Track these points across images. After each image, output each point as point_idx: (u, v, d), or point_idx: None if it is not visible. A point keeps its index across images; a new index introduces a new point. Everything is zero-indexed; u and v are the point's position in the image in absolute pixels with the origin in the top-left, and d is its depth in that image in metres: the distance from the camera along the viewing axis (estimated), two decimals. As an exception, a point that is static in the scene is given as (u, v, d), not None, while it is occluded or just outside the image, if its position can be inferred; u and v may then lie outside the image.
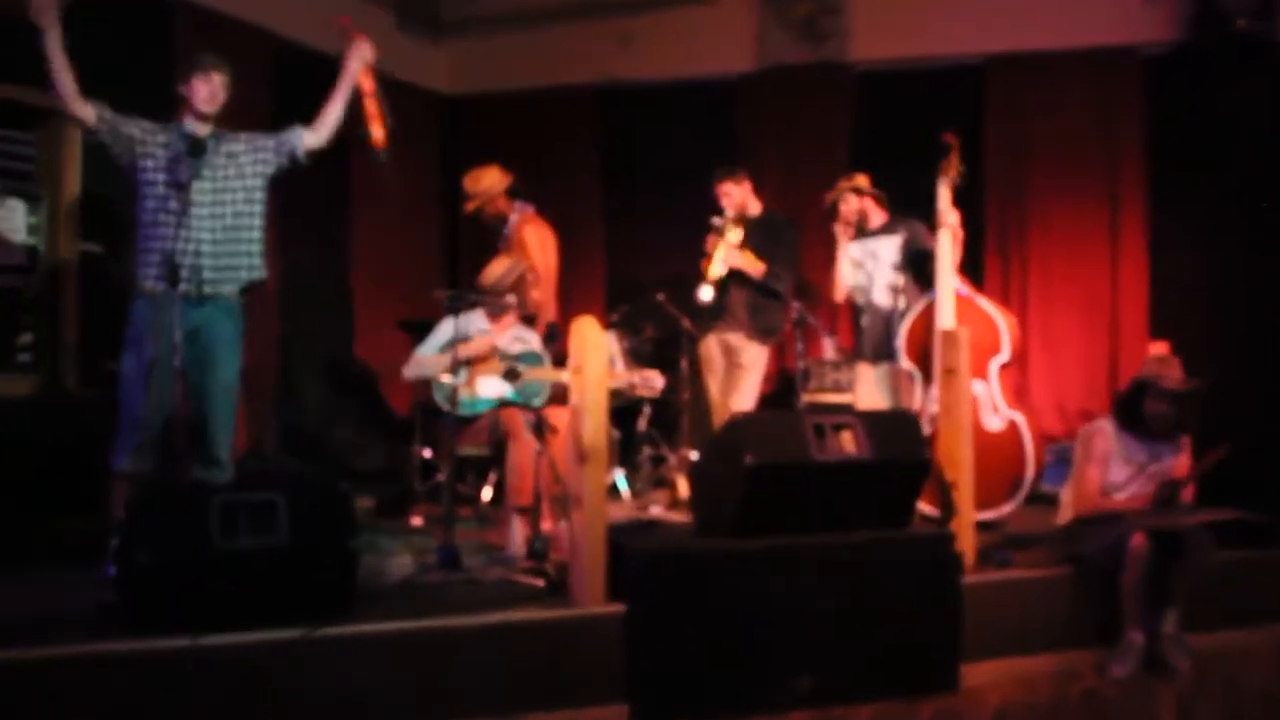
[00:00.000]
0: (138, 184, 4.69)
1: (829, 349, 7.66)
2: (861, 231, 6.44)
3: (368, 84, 4.94)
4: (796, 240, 6.86)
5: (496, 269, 6.05)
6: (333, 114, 4.97)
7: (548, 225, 6.90)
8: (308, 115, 7.21)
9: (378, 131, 4.93)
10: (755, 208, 6.78)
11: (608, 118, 9.03)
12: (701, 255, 6.64)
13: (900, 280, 6.27)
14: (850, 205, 6.42)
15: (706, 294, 6.44)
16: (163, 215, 4.62)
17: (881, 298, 6.32)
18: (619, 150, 8.99)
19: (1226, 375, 6.71)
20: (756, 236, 6.61)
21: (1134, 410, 5.09)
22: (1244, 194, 7.62)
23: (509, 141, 8.91)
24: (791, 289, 6.60)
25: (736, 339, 6.68)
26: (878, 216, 6.45)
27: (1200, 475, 4.95)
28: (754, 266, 6.52)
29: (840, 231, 6.45)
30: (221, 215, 4.72)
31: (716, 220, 6.53)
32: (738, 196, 6.67)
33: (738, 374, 6.68)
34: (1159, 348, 7.39)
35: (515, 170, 7.04)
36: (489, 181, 6.80)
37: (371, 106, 4.94)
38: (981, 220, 7.97)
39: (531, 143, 8.97)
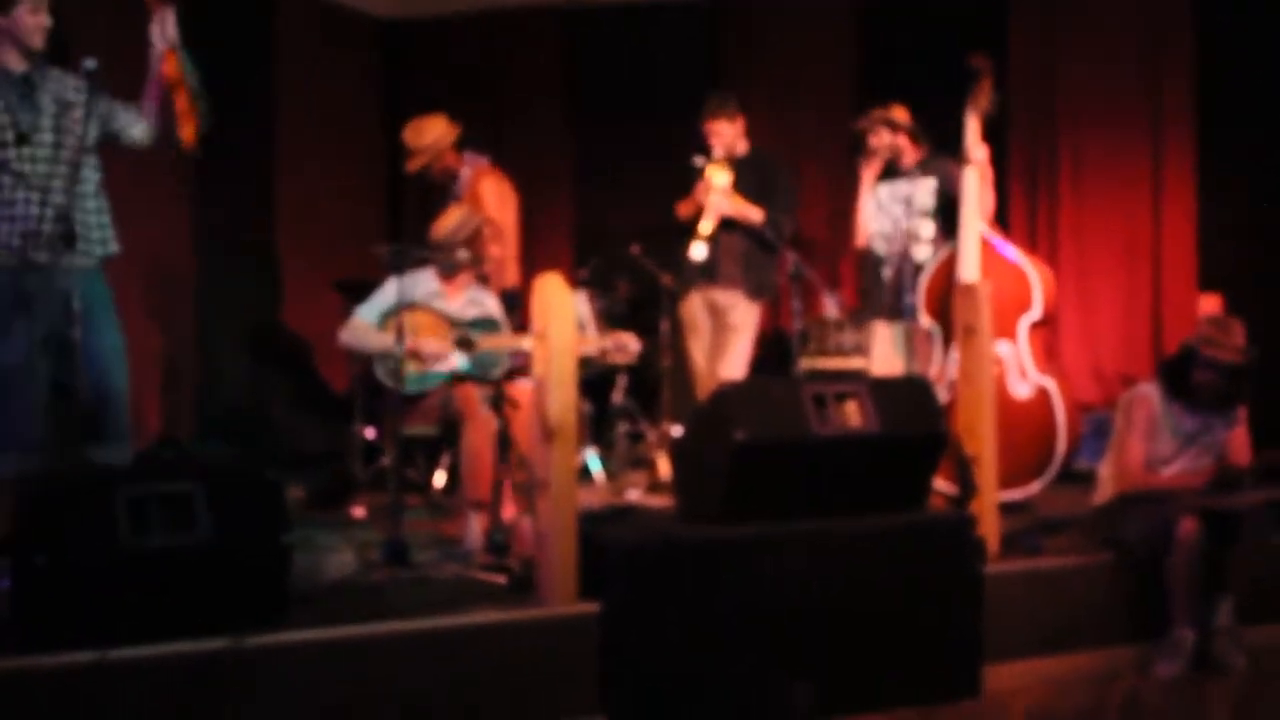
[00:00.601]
0: None
1: (830, 307, 7.68)
2: (892, 171, 6.44)
3: (171, 70, 4.76)
4: (791, 182, 6.88)
5: (449, 220, 6.03)
6: (149, 114, 4.88)
7: (506, 178, 6.88)
8: (220, 45, 7.17)
9: (186, 131, 4.79)
10: (742, 146, 6.78)
11: (574, 42, 9.02)
12: (681, 196, 6.65)
13: (932, 229, 6.29)
14: (881, 140, 6.42)
15: (699, 251, 6.43)
16: (6, 177, 4.61)
17: (909, 247, 6.34)
18: (587, 81, 8.98)
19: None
20: (747, 179, 6.61)
21: (1182, 379, 5.10)
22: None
23: (460, 72, 8.90)
24: (787, 238, 6.62)
25: (725, 297, 6.70)
26: (912, 155, 6.45)
27: (1265, 471, 5.00)
28: (749, 213, 6.52)
29: (867, 168, 6.45)
30: (66, 173, 4.67)
31: (699, 160, 6.51)
32: (729, 136, 6.67)
33: (727, 336, 6.71)
34: (1210, 302, 7.45)
35: (467, 108, 7.02)
36: (435, 134, 6.75)
37: (180, 101, 4.78)
38: (1005, 156, 7.97)
39: (486, 73, 8.96)
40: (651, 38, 8.72)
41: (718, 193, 6.48)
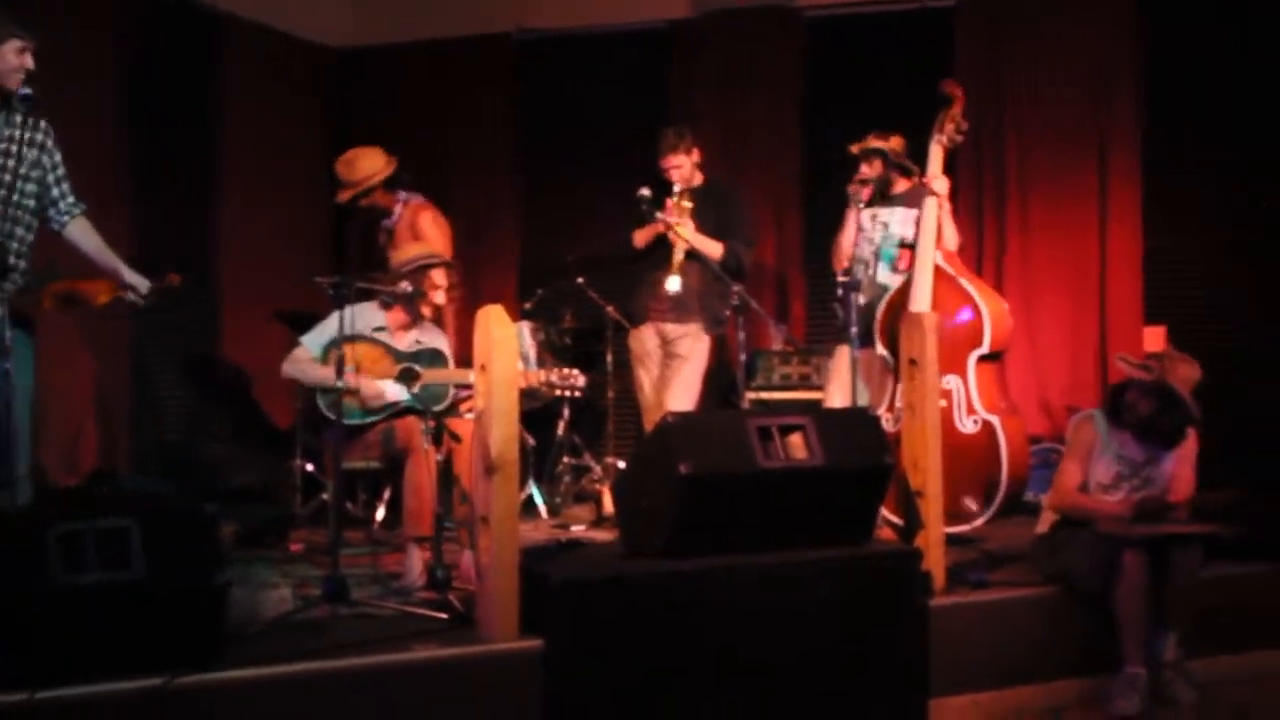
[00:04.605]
0: None
1: (777, 339, 7.71)
2: (880, 197, 6.48)
3: (99, 295, 5.08)
4: (748, 213, 6.94)
5: (404, 253, 6.03)
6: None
7: (441, 212, 6.86)
8: (163, 74, 7.17)
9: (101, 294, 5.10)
10: (699, 178, 6.84)
11: (522, 73, 9.02)
12: (630, 229, 6.69)
13: (902, 259, 6.34)
14: (873, 167, 6.46)
15: (675, 284, 6.43)
16: None
17: (884, 275, 6.39)
18: (535, 110, 9.00)
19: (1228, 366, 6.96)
20: (705, 211, 6.66)
21: (1116, 404, 5.18)
22: (1252, 149, 7.77)
23: (407, 102, 8.92)
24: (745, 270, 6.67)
25: (677, 329, 6.74)
26: (901, 185, 6.52)
27: (1186, 527, 5.07)
28: (709, 247, 6.56)
29: (854, 193, 6.48)
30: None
31: (645, 192, 6.48)
32: (687, 169, 6.72)
33: (675, 366, 6.74)
34: (1155, 334, 7.55)
35: (411, 137, 7.03)
36: (367, 169, 6.64)
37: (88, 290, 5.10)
38: (950, 185, 8.03)
39: (434, 102, 8.98)
40: (600, 66, 8.76)
41: (685, 224, 6.51)
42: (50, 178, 4.95)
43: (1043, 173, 8.13)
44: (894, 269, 6.35)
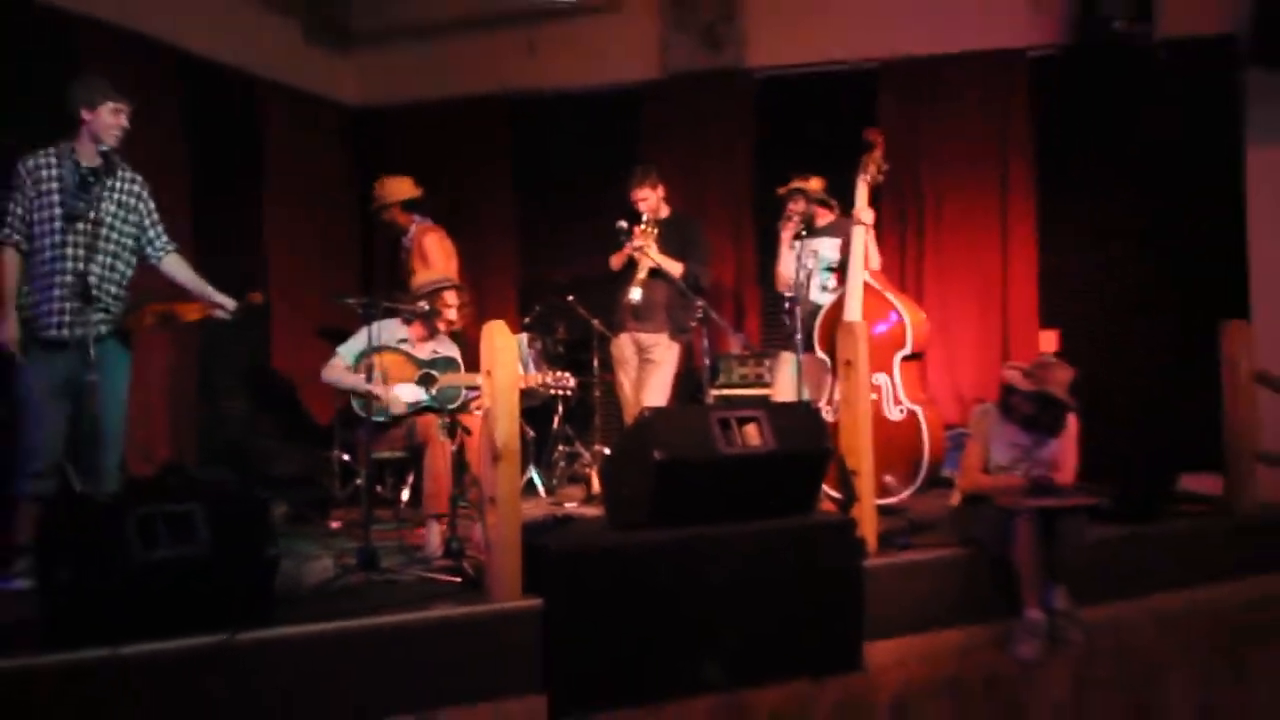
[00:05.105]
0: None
1: (735, 345, 7.76)
2: (809, 230, 6.51)
3: (190, 314, 5.16)
4: (705, 238, 6.98)
5: (421, 278, 6.08)
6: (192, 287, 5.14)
7: (448, 235, 6.94)
8: (216, 132, 7.17)
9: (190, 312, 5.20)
10: (665, 210, 6.87)
11: (516, 127, 9.02)
12: (608, 254, 6.73)
13: (833, 280, 6.38)
14: (798, 205, 6.49)
15: (636, 294, 6.50)
16: (50, 252, 4.74)
17: (815, 295, 6.42)
18: (528, 159, 8.99)
19: (1105, 361, 7.03)
20: (670, 238, 6.70)
21: (1006, 404, 5.29)
22: (1124, 190, 7.90)
23: (420, 152, 8.88)
24: (704, 287, 6.70)
25: (650, 337, 6.75)
26: (824, 218, 6.55)
27: (1067, 499, 5.12)
28: (672, 267, 6.60)
29: (785, 229, 6.53)
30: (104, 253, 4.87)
31: (622, 223, 6.57)
32: (653, 201, 6.76)
33: (650, 370, 6.76)
34: (1049, 336, 7.62)
35: (426, 180, 7.08)
36: (391, 189, 6.92)
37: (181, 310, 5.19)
38: (878, 217, 8.08)
39: (442, 153, 8.95)
40: (583, 121, 8.77)
41: (650, 247, 6.55)
42: (146, 221, 5.00)
43: (953, 202, 8.17)
44: (824, 289, 6.41)
